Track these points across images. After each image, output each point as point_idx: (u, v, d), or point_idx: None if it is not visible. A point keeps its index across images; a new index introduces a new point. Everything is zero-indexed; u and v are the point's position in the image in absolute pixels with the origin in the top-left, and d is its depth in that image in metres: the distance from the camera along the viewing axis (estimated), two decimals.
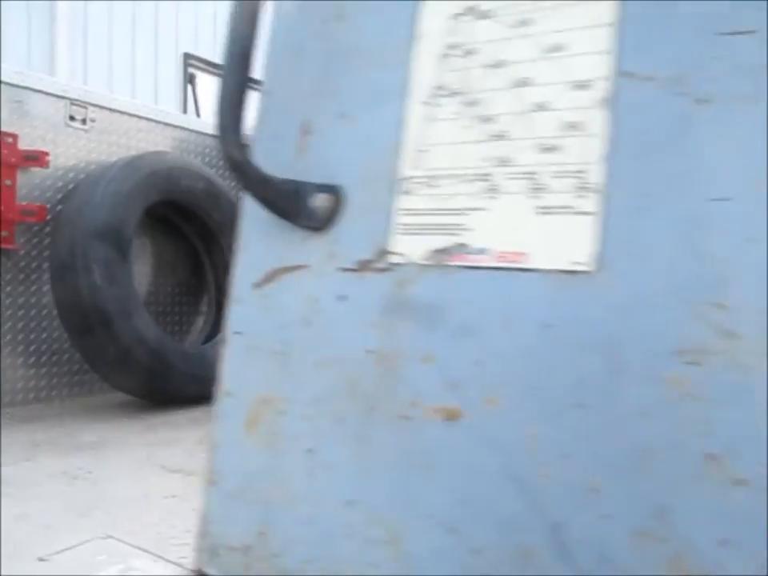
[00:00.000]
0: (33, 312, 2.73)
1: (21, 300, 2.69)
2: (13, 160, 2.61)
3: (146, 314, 2.69)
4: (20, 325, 2.68)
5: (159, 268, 3.23)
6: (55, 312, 2.75)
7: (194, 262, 3.33)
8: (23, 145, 2.66)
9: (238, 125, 0.89)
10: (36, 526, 1.58)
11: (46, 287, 2.75)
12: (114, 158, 2.93)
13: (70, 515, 1.65)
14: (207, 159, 3.36)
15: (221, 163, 3.37)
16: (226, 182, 3.20)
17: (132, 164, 2.72)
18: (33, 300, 2.73)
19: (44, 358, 2.76)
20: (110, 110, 2.96)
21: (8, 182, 2.61)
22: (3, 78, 2.61)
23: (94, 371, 2.69)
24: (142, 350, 2.58)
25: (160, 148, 3.13)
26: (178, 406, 2.76)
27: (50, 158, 2.70)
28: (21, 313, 2.69)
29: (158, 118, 3.14)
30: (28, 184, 2.70)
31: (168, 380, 2.69)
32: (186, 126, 3.30)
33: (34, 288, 2.73)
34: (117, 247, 2.58)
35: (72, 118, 2.82)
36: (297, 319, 0.91)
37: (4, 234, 2.60)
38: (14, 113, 2.65)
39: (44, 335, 2.76)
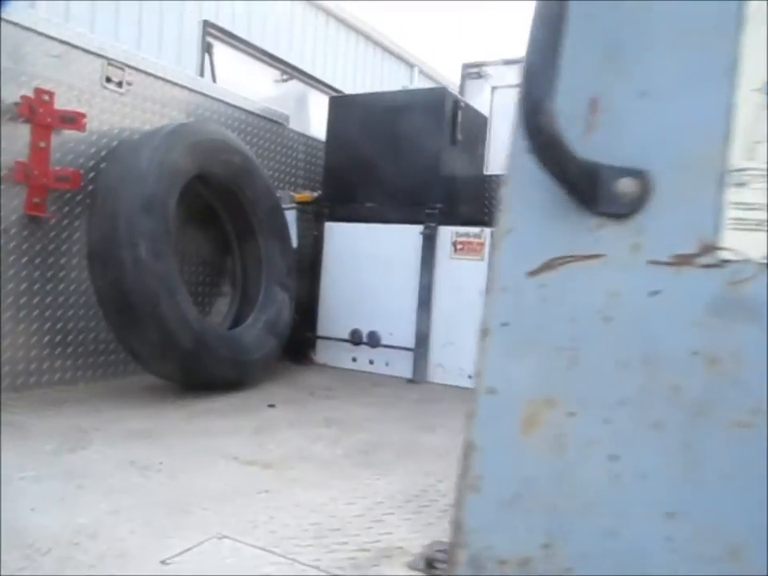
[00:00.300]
0: (61, 287, 2.53)
1: (49, 273, 2.49)
2: (48, 120, 2.41)
3: (187, 294, 2.53)
4: (47, 300, 2.48)
5: (183, 245, 3.05)
6: (83, 288, 2.57)
7: (220, 240, 3.16)
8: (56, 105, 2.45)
9: (551, 94, 0.80)
10: (136, 523, 1.45)
11: (75, 260, 2.56)
12: (148, 126, 2.75)
13: (166, 512, 1.52)
14: (236, 133, 3.19)
15: (251, 139, 3.22)
16: (258, 160, 3.05)
17: (176, 133, 2.55)
18: (61, 274, 2.53)
19: (70, 338, 2.57)
20: (147, 73, 2.77)
21: (42, 144, 2.41)
22: (41, 30, 2.39)
23: (129, 353, 2.52)
24: (185, 333, 2.43)
25: (194, 118, 2.96)
26: (211, 392, 2.62)
27: (86, 120, 2.50)
28: (49, 287, 2.49)
29: (195, 87, 2.96)
30: (60, 148, 2.49)
31: (207, 365, 2.55)
32: (222, 98, 3.13)
33: (63, 261, 2.53)
34: (163, 220, 2.42)
35: (108, 80, 2.62)
36: (591, 313, 0.84)
37: (36, 200, 2.40)
38: (48, 68, 2.43)
39: (70, 312, 2.56)
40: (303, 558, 1.35)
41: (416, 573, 1.32)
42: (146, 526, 1.44)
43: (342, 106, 3.64)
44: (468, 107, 3.54)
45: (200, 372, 2.54)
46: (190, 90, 2.97)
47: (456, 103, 3.39)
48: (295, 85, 5.15)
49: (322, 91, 5.26)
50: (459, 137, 3.40)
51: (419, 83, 9.57)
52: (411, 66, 9.59)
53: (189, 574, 1.26)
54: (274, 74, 5.16)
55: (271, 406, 2.55)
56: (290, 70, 5.21)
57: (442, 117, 3.32)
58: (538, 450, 0.85)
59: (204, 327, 2.57)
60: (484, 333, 0.91)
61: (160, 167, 2.43)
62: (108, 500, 1.56)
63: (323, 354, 3.57)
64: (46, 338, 2.48)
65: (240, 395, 2.68)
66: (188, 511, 1.53)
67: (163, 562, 1.29)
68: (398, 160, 3.39)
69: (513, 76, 4.83)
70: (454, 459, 2.16)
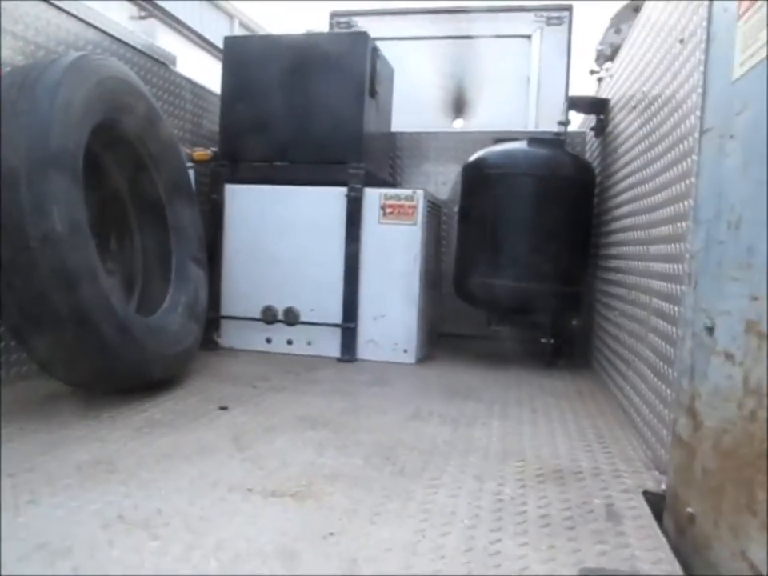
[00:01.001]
0: None
1: None
2: None
3: (105, 272, 1.95)
4: None
5: None
6: None
7: (105, 206, 2.52)
8: None
9: None
10: None
11: None
12: (21, 57, 2.07)
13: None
14: None
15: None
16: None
17: (77, 68, 1.92)
18: None
19: None
20: None
21: None
22: None
23: (32, 357, 1.89)
24: (109, 325, 1.86)
25: (74, 50, 2.28)
26: (131, 397, 2.08)
27: None
28: None
29: (73, 11, 2.29)
30: None
31: (133, 362, 2.00)
32: (104, 27, 2.46)
33: None
34: (75, 180, 1.82)
35: None
36: None
37: None
38: None
39: None
40: None
41: None
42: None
43: (242, 49, 3.09)
44: (383, 56, 3.20)
45: (124, 372, 1.99)
46: (68, 13, 2.28)
47: (375, 51, 3.04)
48: (146, 24, 4.36)
49: (180, 33, 4.53)
50: (377, 88, 3.06)
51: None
52: (231, 16, 8.78)
53: None
54: (131, 9, 4.31)
55: (223, 408, 2.09)
56: (150, 7, 4.38)
57: (363, 65, 2.96)
58: None
59: (129, 315, 2.01)
60: None
61: (66, 111, 1.81)
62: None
63: (229, 336, 3.09)
64: None
65: (173, 398, 2.17)
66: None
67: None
68: (312, 114, 2.97)
69: (385, 28, 4.54)
70: (485, 455, 1.89)
